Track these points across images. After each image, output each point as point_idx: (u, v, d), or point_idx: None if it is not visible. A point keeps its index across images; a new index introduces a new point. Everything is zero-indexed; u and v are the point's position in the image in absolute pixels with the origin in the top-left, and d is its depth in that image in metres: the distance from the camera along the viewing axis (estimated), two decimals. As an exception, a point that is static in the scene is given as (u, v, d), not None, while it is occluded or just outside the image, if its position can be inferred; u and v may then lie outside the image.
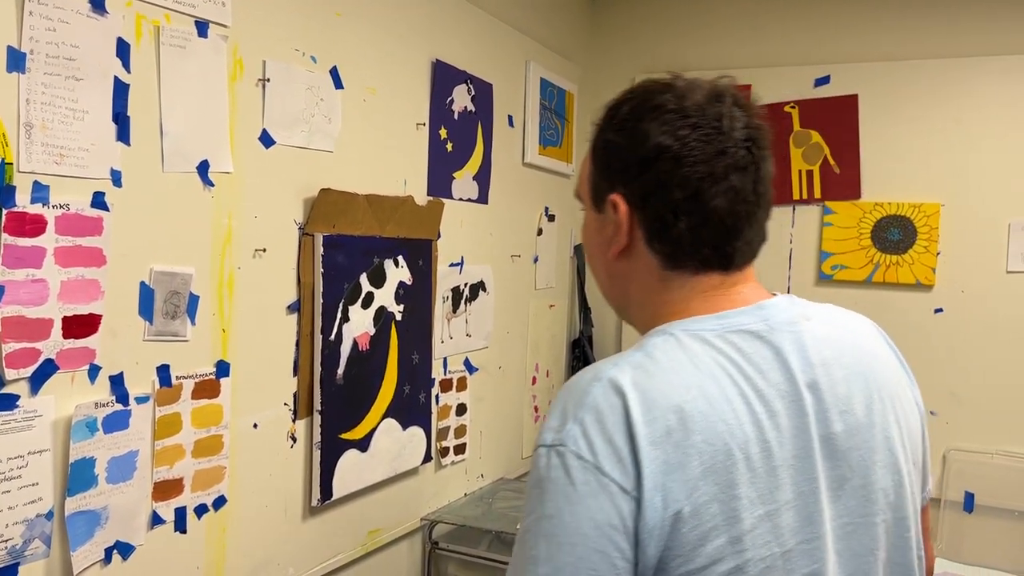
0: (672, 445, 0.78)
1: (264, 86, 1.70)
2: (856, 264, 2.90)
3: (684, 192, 0.87)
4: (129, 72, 1.42)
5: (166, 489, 1.54)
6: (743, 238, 0.90)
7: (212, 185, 1.60)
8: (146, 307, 1.48)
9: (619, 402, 0.80)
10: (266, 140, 1.72)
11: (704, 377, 0.82)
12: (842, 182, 2.93)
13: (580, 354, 3.23)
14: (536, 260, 2.91)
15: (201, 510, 1.62)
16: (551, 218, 3.00)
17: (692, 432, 0.79)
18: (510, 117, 2.67)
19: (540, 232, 2.93)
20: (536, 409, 2.99)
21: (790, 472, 0.82)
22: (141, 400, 1.47)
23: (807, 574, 0.81)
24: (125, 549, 1.47)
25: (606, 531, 0.77)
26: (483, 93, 2.49)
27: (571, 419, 0.81)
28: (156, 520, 1.53)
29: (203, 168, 1.57)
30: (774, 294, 0.94)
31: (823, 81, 2.95)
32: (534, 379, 2.96)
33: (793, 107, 2.99)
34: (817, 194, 2.97)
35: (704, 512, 0.78)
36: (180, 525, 1.58)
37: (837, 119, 2.93)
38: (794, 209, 3.00)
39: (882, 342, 0.98)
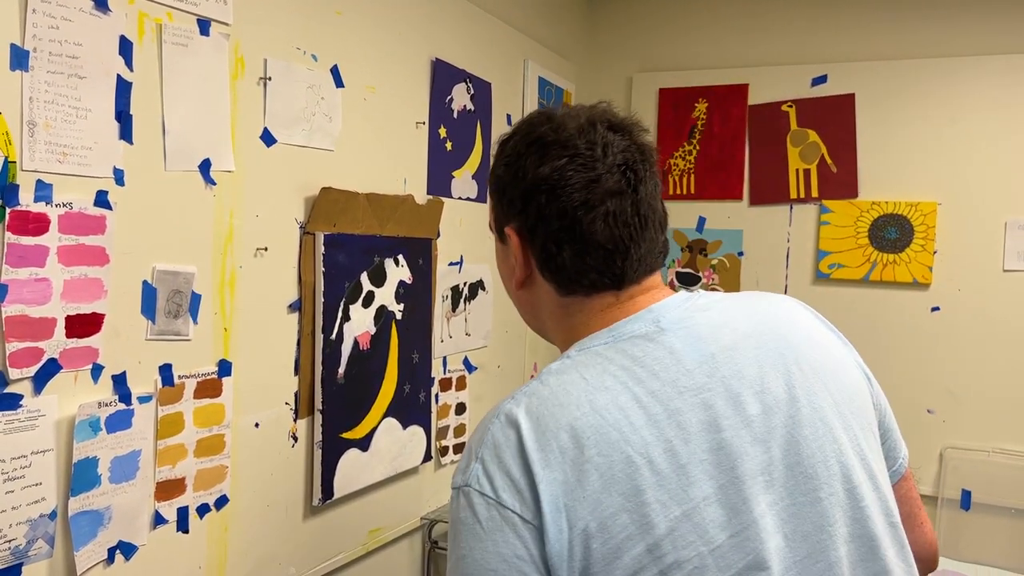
0: (568, 464, 0.79)
1: (265, 84, 1.70)
2: (853, 263, 2.91)
3: (562, 222, 0.89)
4: (132, 70, 1.41)
5: (168, 489, 1.53)
6: (631, 258, 0.91)
7: (214, 184, 1.60)
8: (148, 306, 1.48)
9: (513, 433, 0.81)
10: (267, 139, 1.71)
11: (594, 391, 0.82)
12: (839, 181, 2.94)
13: (578, 353, 3.23)
14: (534, 259, 2.91)
15: (203, 510, 1.61)
16: (549, 217, 3.00)
17: (586, 447, 0.79)
18: (509, 116, 2.67)
19: (538, 231, 2.93)
20: (534, 408, 2.99)
21: (704, 467, 0.80)
22: (144, 400, 1.47)
23: (745, 566, 0.78)
24: (128, 549, 1.46)
25: (514, 563, 0.78)
26: (482, 92, 2.49)
27: (474, 458, 0.83)
28: (159, 520, 1.52)
29: (205, 166, 1.57)
30: (676, 294, 0.94)
31: (820, 80, 2.96)
32: (532, 377, 2.96)
33: (790, 106, 3.00)
34: (814, 193, 2.98)
35: (612, 525, 0.77)
36: (182, 525, 1.57)
37: (834, 118, 2.94)
38: (791, 208, 3.01)
39: (805, 316, 0.97)
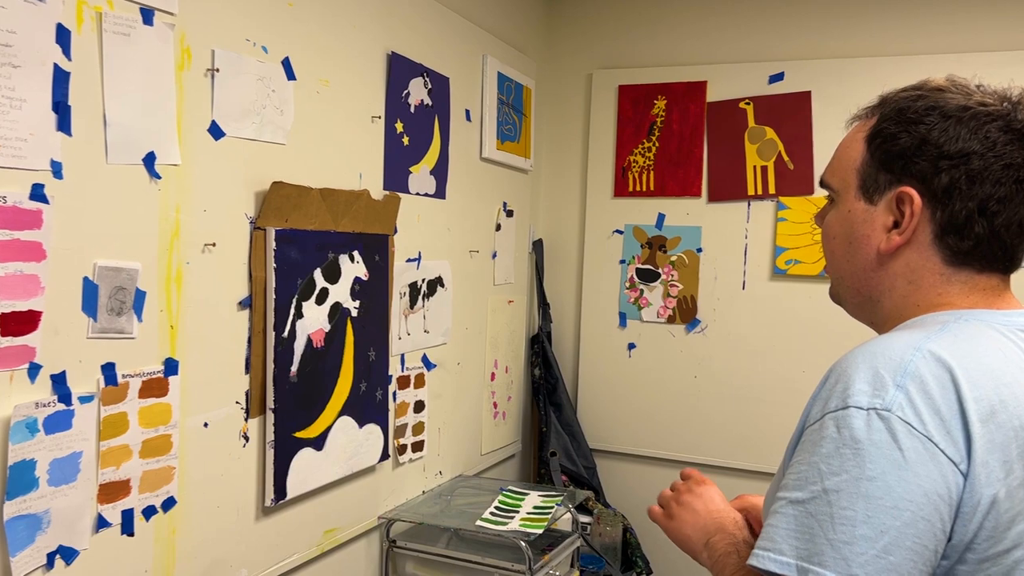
0: (996, 425, 0.80)
1: (213, 76, 1.66)
2: (810, 259, 2.93)
3: (996, 192, 0.89)
4: (70, 60, 1.37)
5: (112, 491, 1.49)
6: None
7: (159, 177, 1.55)
8: (90, 303, 1.43)
9: (946, 375, 0.81)
10: (215, 132, 1.67)
11: (1010, 364, 0.85)
12: (796, 178, 2.96)
13: (539, 350, 3.22)
14: (495, 256, 2.90)
15: (149, 512, 1.57)
16: (509, 213, 2.99)
17: (1012, 415, 0.81)
18: (467, 111, 2.65)
19: (499, 227, 2.92)
20: (495, 405, 2.97)
21: None
22: (85, 400, 1.42)
23: None
24: (68, 554, 1.42)
25: (934, 500, 0.77)
26: (440, 86, 2.47)
27: (892, 385, 0.80)
28: (102, 523, 1.48)
29: (149, 160, 1.53)
30: None
31: (777, 78, 2.98)
32: (493, 375, 2.94)
33: (748, 103, 3.02)
34: (771, 190, 3.00)
35: (1016, 495, 0.79)
36: (127, 528, 1.53)
37: (791, 116, 2.96)
38: (749, 205, 3.03)
39: None
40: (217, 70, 1.66)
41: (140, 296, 1.52)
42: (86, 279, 1.42)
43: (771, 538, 0.81)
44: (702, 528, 1.10)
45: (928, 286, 0.94)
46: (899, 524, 0.76)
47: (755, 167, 3.02)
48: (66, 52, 1.36)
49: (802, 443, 0.84)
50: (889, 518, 0.76)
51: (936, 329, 0.88)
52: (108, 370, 1.47)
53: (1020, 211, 0.90)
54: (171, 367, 1.59)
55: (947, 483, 0.77)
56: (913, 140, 0.92)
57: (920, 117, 0.92)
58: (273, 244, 1.79)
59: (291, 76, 1.86)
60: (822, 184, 1.05)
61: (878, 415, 0.79)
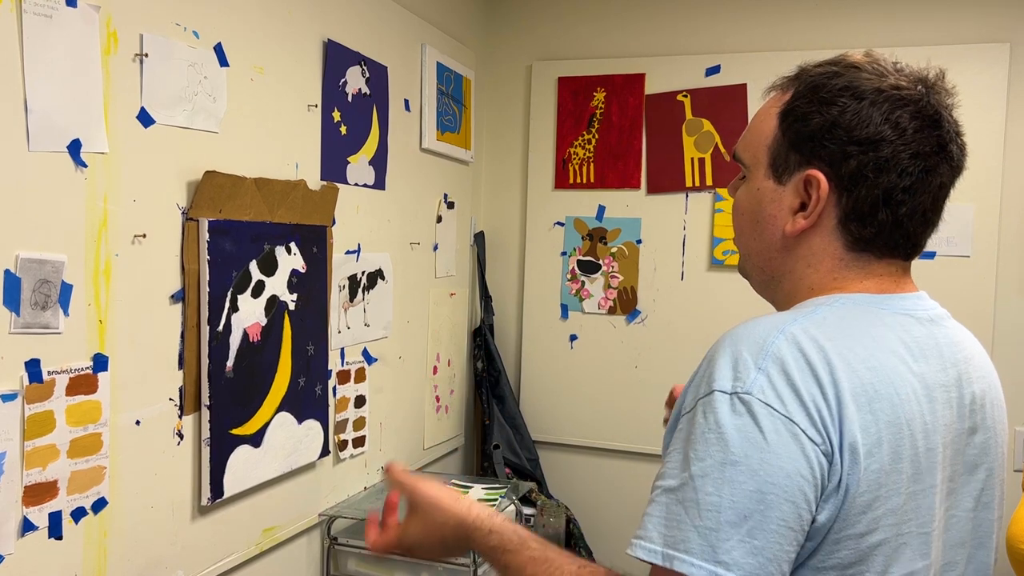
0: (857, 406, 0.79)
1: (142, 61, 1.60)
2: (747, 249, 2.98)
3: (902, 182, 0.88)
4: (-14, 41, 1.30)
5: (38, 493, 1.43)
6: (930, 230, 0.93)
7: (85, 166, 1.49)
8: (12, 297, 1.37)
9: (807, 357, 0.80)
10: (145, 119, 1.61)
11: (879, 349, 0.84)
12: (733, 169, 2.99)
13: (482, 343, 3.21)
14: (436, 248, 2.87)
15: (79, 514, 1.51)
16: (450, 205, 2.97)
17: (874, 398, 0.81)
18: (406, 101, 2.62)
19: (439, 219, 2.89)
20: (438, 399, 2.95)
21: (934, 457, 0.85)
22: (7, 398, 1.36)
23: (930, 562, 0.85)
24: (-8, 559, 1.35)
25: (798, 481, 0.76)
26: (378, 76, 2.43)
27: (753, 368, 0.79)
28: (27, 527, 1.41)
29: (74, 147, 1.47)
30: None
31: (714, 71, 3.02)
32: (435, 369, 2.92)
33: (685, 96, 3.05)
34: (709, 181, 3.04)
35: (875, 479, 0.79)
36: (55, 531, 1.47)
37: (727, 108, 3.00)
38: (687, 196, 3.07)
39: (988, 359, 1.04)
40: (146, 55, 1.60)
41: (66, 289, 1.46)
42: (7, 272, 1.36)
43: (644, 526, 0.81)
44: (451, 538, 1.01)
45: (825, 270, 0.93)
46: (763, 508, 0.75)
47: (693, 159, 3.05)
48: (-18, 33, 1.29)
49: (677, 431, 0.83)
50: (753, 502, 0.76)
51: (806, 311, 0.87)
52: (32, 367, 1.41)
53: (925, 200, 0.90)
54: (100, 363, 1.53)
55: (810, 463, 0.76)
56: (824, 122, 0.90)
57: (833, 97, 0.90)
58: (206, 235, 1.74)
59: (224, 62, 1.81)
60: (734, 157, 1.03)
61: (739, 398, 0.78)
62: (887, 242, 0.91)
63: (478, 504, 1.01)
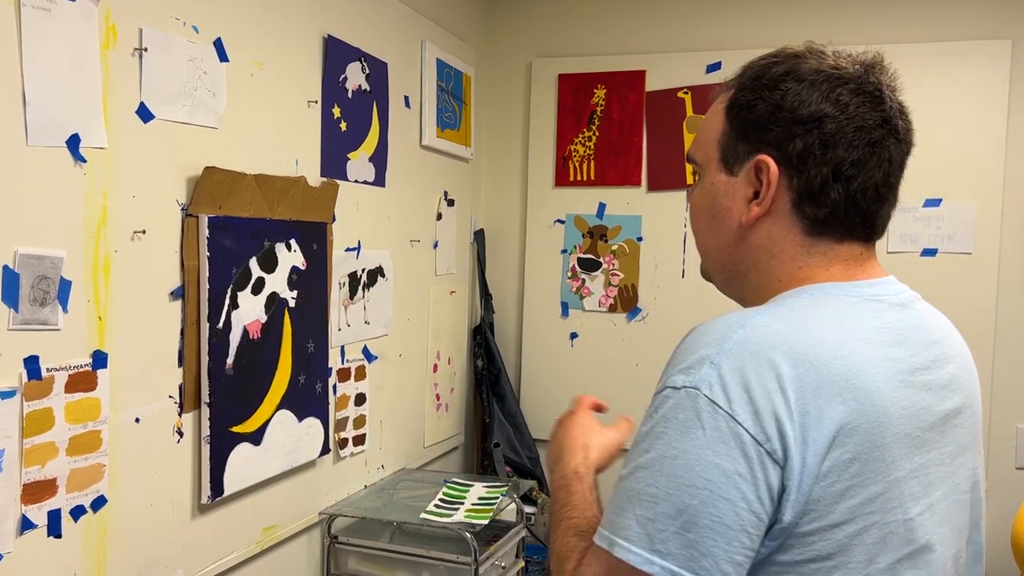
0: (825, 399, 0.78)
1: (141, 56, 1.59)
2: (748, 247, 2.97)
3: (848, 156, 0.87)
4: (-16, 34, 1.29)
5: (37, 490, 1.42)
6: (885, 209, 0.92)
7: (84, 161, 1.48)
8: (10, 293, 1.35)
9: (765, 352, 0.79)
10: (144, 114, 1.60)
11: (850, 337, 0.83)
12: (734, 167, 3.00)
13: (482, 341, 3.20)
14: (436, 245, 2.86)
15: (78, 512, 1.50)
16: (450, 202, 2.96)
17: (845, 388, 0.79)
18: (406, 98, 2.61)
19: (439, 217, 2.88)
20: (438, 397, 2.94)
21: (916, 442, 0.84)
22: (6, 395, 1.35)
23: (924, 545, 0.83)
24: (-10, 558, 1.34)
25: (734, 479, 0.75)
26: (378, 72, 2.42)
27: (707, 363, 0.79)
28: (26, 525, 1.40)
29: (73, 142, 1.45)
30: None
31: (715, 67, 3.01)
32: (435, 367, 2.91)
33: (686, 93, 3.04)
34: (710, 179, 3.02)
35: (847, 469, 0.78)
36: (54, 529, 1.46)
37: (728, 105, 2.99)
38: (688, 194, 3.05)
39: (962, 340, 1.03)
40: (145, 49, 1.59)
41: (65, 286, 1.45)
42: (6, 267, 1.35)
43: (604, 512, 0.84)
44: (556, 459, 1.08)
45: (788, 258, 0.92)
46: (696, 503, 0.76)
47: (694, 156, 3.04)
48: (-20, 26, 1.28)
49: (640, 425, 0.85)
50: (687, 496, 0.76)
51: (772, 305, 0.87)
52: (31, 363, 1.39)
53: (875, 174, 0.89)
54: (100, 360, 1.52)
55: (750, 463, 0.76)
56: (768, 106, 0.90)
57: (775, 83, 0.90)
58: (206, 232, 1.73)
59: (224, 58, 1.80)
60: (688, 159, 1.03)
61: (686, 393, 0.79)
62: (843, 222, 0.90)
63: (582, 459, 1.05)
